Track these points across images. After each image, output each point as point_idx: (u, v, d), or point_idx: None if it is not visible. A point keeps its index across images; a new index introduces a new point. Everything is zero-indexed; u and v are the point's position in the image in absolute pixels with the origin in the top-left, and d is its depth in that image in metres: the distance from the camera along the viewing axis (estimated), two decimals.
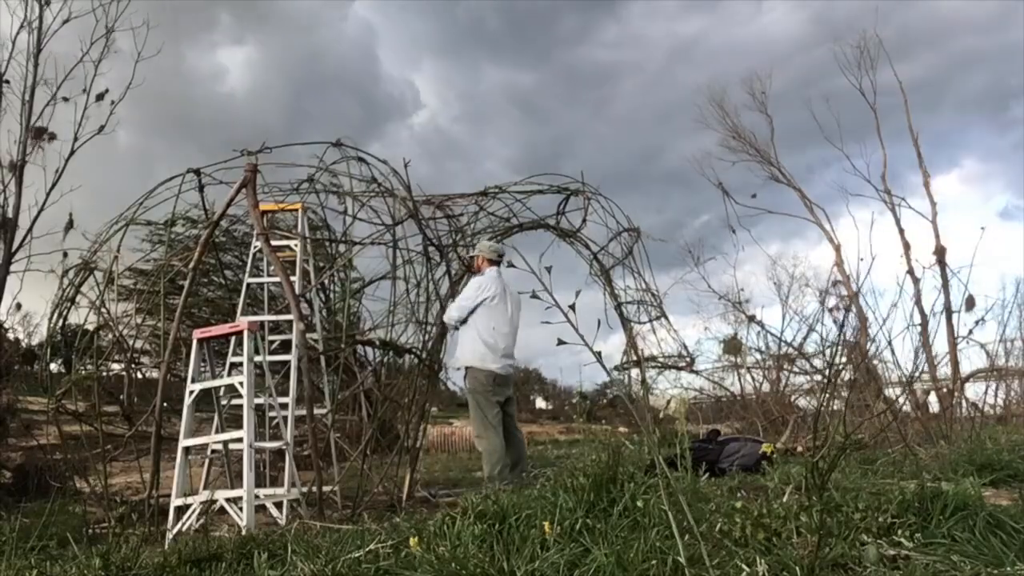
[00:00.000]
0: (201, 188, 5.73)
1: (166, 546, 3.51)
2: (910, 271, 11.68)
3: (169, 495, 4.39)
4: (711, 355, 11.15)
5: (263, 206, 5.32)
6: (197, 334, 4.51)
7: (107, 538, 3.95)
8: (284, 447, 4.72)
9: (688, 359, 7.15)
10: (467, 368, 5.25)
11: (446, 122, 44.50)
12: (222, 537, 3.25)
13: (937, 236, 15.44)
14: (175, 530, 4.12)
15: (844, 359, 7.05)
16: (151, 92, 7.91)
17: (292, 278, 5.13)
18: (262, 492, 4.62)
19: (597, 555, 2.29)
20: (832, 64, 18.14)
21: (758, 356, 10.22)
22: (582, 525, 2.62)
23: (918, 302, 8.36)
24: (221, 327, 4.79)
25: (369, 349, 6.52)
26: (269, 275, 5.82)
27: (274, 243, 5.36)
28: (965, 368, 8.97)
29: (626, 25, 43.66)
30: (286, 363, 5.42)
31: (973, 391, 8.13)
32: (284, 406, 5.05)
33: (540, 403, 29.67)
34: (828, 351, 8.16)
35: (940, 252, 14.27)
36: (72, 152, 7.58)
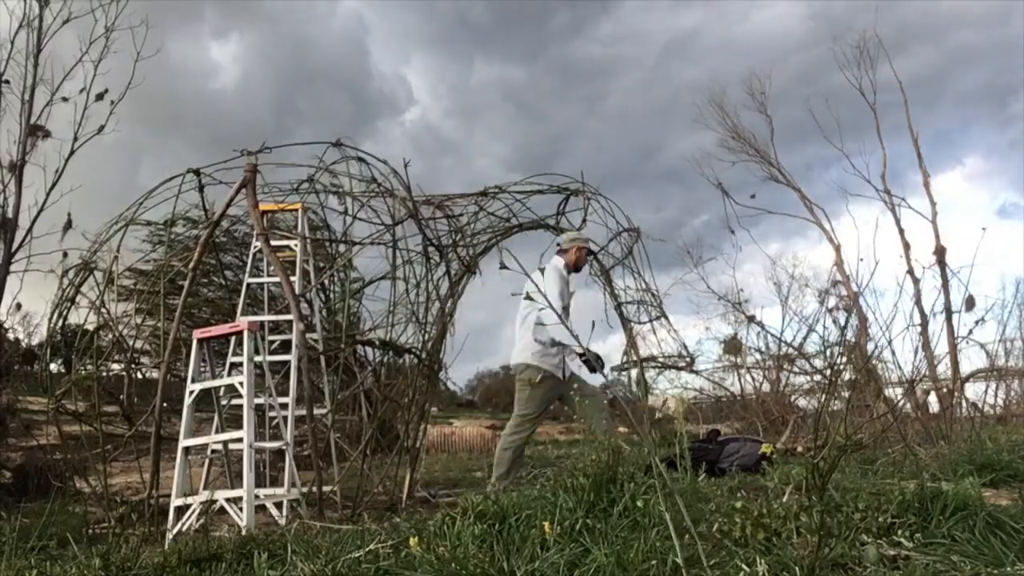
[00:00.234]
0: (201, 188, 5.73)
1: (166, 546, 3.51)
2: (910, 271, 11.69)
3: (169, 495, 4.39)
4: (711, 355, 11.14)
5: (263, 206, 5.32)
6: (197, 334, 4.50)
7: (107, 538, 3.95)
8: (284, 447, 4.72)
9: (688, 359, 7.15)
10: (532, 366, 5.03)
11: (438, 118, 44.15)
12: (222, 537, 3.24)
13: (937, 236, 15.48)
14: (175, 530, 4.12)
15: (844, 359, 7.05)
16: (139, 88, 7.91)
17: (292, 278, 5.13)
18: (262, 492, 4.61)
19: (597, 555, 2.29)
20: (830, 60, 18.18)
21: (758, 356, 10.22)
22: (582, 525, 2.62)
23: (918, 302, 8.37)
24: (221, 327, 4.79)
25: (369, 349, 6.52)
26: (269, 275, 5.81)
27: (274, 243, 5.37)
28: (965, 368, 8.96)
29: (620, 20, 43.43)
30: (286, 363, 5.43)
31: (973, 391, 8.13)
32: (284, 406, 5.05)
33: None
34: (828, 351, 8.17)
35: (940, 252, 14.29)
36: (72, 152, 7.60)
